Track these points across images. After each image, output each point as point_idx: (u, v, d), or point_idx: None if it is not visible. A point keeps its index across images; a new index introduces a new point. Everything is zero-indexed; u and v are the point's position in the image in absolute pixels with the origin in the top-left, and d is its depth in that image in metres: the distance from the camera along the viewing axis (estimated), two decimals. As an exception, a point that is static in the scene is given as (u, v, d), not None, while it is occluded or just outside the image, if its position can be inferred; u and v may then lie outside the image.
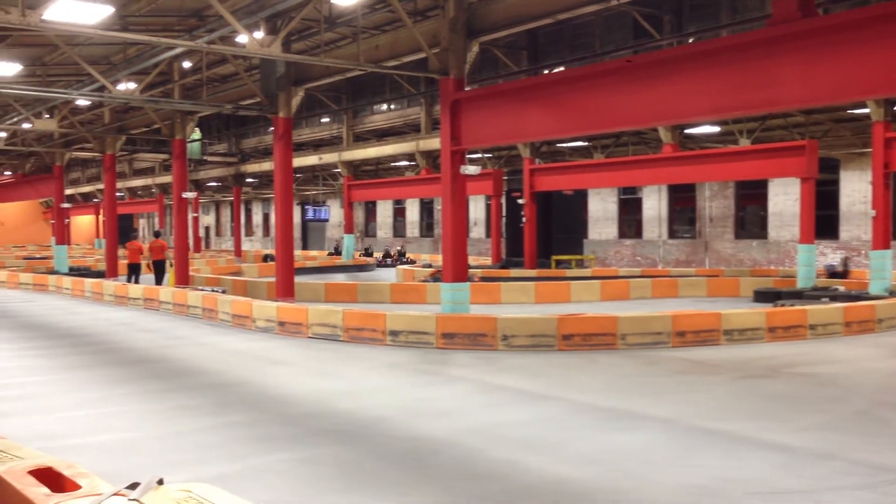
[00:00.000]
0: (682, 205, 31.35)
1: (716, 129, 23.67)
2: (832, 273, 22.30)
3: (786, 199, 27.47)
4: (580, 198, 30.64)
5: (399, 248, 38.34)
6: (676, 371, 10.24)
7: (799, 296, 17.51)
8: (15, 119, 23.18)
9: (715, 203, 29.75)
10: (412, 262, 34.31)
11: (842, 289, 18.33)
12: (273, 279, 19.01)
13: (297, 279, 18.59)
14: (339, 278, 26.25)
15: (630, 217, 33.13)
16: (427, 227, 43.50)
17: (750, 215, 29.61)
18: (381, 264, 34.42)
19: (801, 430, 7.20)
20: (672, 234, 31.45)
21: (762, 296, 18.54)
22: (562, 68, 19.97)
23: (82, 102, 23.19)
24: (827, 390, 9.13)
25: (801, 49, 9.28)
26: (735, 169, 21.27)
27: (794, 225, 26.13)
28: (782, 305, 15.39)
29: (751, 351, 11.69)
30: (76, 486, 3.64)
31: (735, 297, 19.93)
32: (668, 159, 22.01)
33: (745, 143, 23.55)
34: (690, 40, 16.06)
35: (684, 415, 7.70)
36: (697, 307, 16.53)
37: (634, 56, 15.11)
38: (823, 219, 24.51)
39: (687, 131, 23.85)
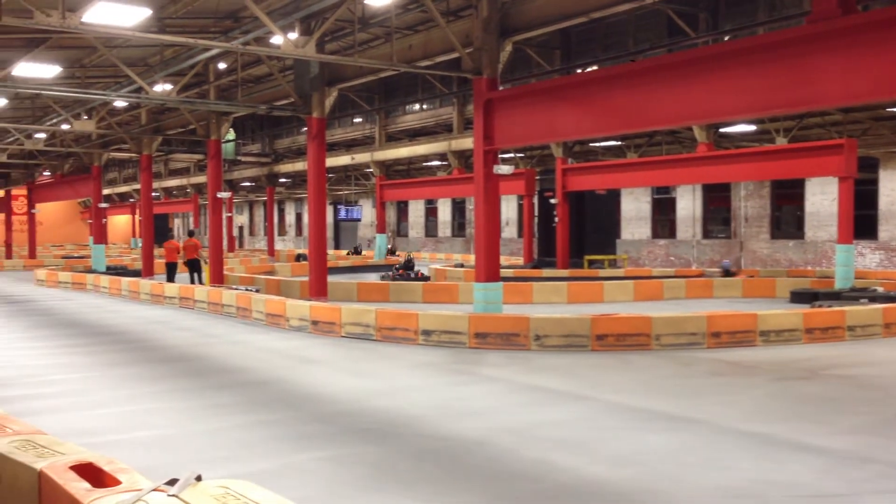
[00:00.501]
0: (717, 204, 31.01)
1: (752, 127, 23.37)
2: (727, 272, 22.31)
3: (823, 199, 27.06)
4: (613, 197, 30.42)
5: (389, 246, 38.52)
6: (712, 372, 10.13)
7: (837, 297, 17.24)
8: (55, 120, 23.57)
9: (750, 203, 29.39)
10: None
11: (881, 289, 18.02)
12: (306, 278, 19.12)
13: (330, 278, 18.68)
14: (372, 278, 26.32)
15: (663, 217, 32.85)
16: (459, 227, 43.50)
17: (786, 215, 29.22)
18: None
19: (841, 432, 7.08)
20: (706, 234, 31.12)
21: (799, 297, 18.27)
22: (595, 67, 19.85)
23: (120, 104, 23.50)
24: (866, 392, 8.98)
25: (841, 47, 9.12)
26: (771, 168, 21.00)
27: (831, 225, 25.72)
28: (820, 306, 15.16)
29: (788, 352, 11.53)
30: (116, 482, 3.69)
31: (771, 298, 19.68)
32: (702, 159, 21.78)
33: (781, 141, 23.23)
34: (726, 38, 15.88)
35: (721, 417, 7.61)
36: (733, 308, 16.34)
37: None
38: (862, 218, 24.10)
39: (722, 130, 23.59)
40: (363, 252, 41.42)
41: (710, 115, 11.98)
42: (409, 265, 24.92)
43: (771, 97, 9.93)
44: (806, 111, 20.18)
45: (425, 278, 23.91)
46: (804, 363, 10.65)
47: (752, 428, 7.18)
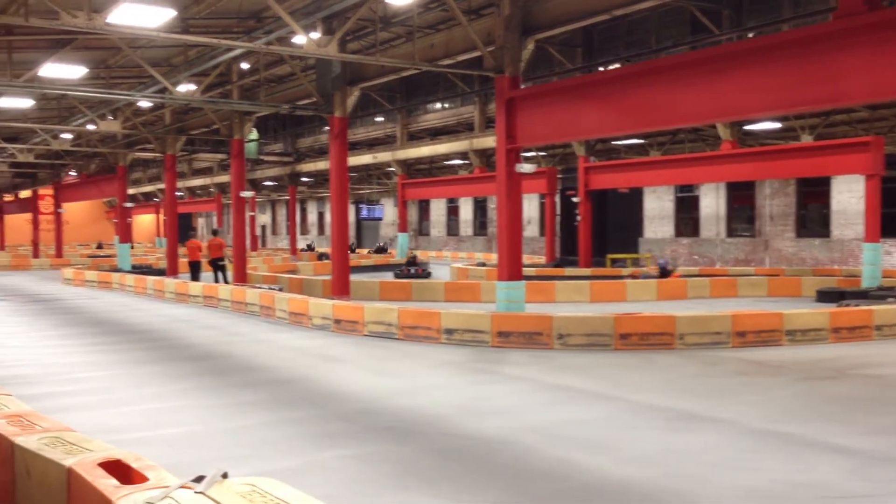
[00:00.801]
0: (741, 202, 30.75)
1: (776, 125, 23.16)
2: (664, 271, 22.29)
3: (850, 197, 26.75)
4: (635, 196, 30.26)
5: (381, 243, 41.44)
6: (737, 372, 10.06)
7: (864, 296, 17.03)
8: (80, 121, 23.80)
9: (775, 201, 29.13)
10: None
11: (908, 289, 17.79)
12: (328, 277, 19.19)
13: (352, 277, 18.74)
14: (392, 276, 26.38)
15: (686, 215, 32.63)
16: (480, 226, 43.46)
17: (812, 213, 28.92)
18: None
19: (869, 433, 7.00)
20: (730, 232, 30.88)
21: (825, 296, 18.08)
22: (617, 65, 19.75)
23: (144, 104, 23.71)
24: (894, 392, 8.87)
25: (867, 43, 9.02)
26: (797, 166, 20.81)
27: (858, 223, 25.43)
28: (847, 305, 14.98)
29: (814, 352, 11.42)
30: (144, 479, 3.73)
31: (797, 297, 19.50)
32: (726, 156, 21.63)
33: (807, 139, 23.01)
34: (750, 35, 15.75)
35: (747, 416, 7.55)
36: (758, 307, 16.19)
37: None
38: (889, 217, 23.78)
39: (746, 128, 23.37)
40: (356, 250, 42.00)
41: (734, 113, 11.88)
42: (412, 262, 27.65)
43: (796, 94, 9.84)
44: (831, 108, 19.98)
45: (426, 274, 26.30)
46: (831, 363, 10.54)
47: (778, 428, 7.12)
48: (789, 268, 26.60)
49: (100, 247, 53.56)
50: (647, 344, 11.64)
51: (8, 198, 51.51)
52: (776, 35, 11.99)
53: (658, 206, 33.32)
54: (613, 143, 28.56)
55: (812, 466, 5.99)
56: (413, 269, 26.82)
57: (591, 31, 21.56)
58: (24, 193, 48.68)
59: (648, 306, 16.92)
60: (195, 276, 22.42)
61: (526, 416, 7.66)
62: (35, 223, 43.99)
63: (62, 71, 16.02)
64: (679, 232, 32.74)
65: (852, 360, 10.72)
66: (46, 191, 45.93)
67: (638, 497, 5.36)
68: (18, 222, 57.94)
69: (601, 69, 19.35)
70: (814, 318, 12.42)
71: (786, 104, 10.56)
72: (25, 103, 20.21)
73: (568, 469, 5.94)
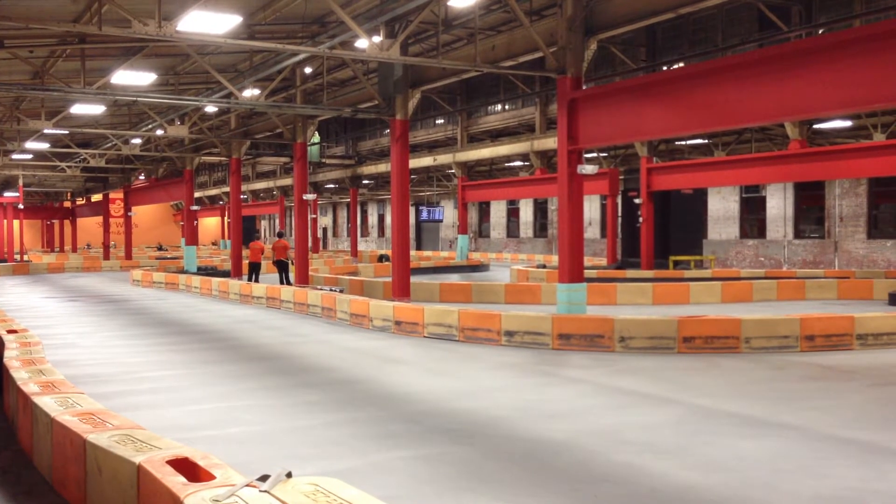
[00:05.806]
0: (809, 203, 29.96)
1: (847, 123, 22.53)
2: None
3: (925, 197, 25.83)
4: (699, 197, 29.74)
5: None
6: (806, 377, 9.79)
7: (940, 299, 16.45)
8: (150, 126, 24.46)
9: (846, 201, 28.29)
10: None
11: None
12: (389, 279, 19.30)
13: (412, 279, 18.82)
14: (453, 278, 26.43)
15: (752, 216, 31.94)
16: (541, 228, 43.25)
17: (884, 214, 28.01)
18: None
19: (947, 442, 6.74)
20: (798, 233, 30.11)
21: (899, 299, 17.51)
22: (681, 64, 19.45)
23: (210, 109, 24.24)
24: (975, 401, 8.53)
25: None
26: (869, 165, 20.21)
27: (934, 224, 24.53)
28: (922, 309, 14.48)
29: (887, 357, 11.04)
30: (211, 477, 3.80)
31: (868, 301, 18.90)
32: (795, 156, 21.12)
33: (879, 137, 22.30)
34: (821, 32, 15.35)
35: (817, 422, 7.34)
36: (827, 310, 15.75)
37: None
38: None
39: (816, 126, 22.80)
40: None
41: (804, 112, 11.57)
42: None
43: (869, 92, 9.55)
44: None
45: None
46: (906, 369, 10.19)
47: (850, 434, 6.90)
48: (860, 270, 25.78)
49: (160, 248, 54.85)
50: (711, 347, 11.42)
51: (80, 201, 53.21)
52: (848, 31, 11.64)
53: (723, 207, 32.68)
54: (677, 143, 28.13)
55: (883, 474, 5.79)
56: None
57: (654, 29, 21.30)
58: (96, 197, 50.24)
59: (712, 309, 16.60)
60: (256, 277, 22.78)
61: (588, 420, 7.59)
62: (106, 226, 45.32)
63: (133, 78, 16.49)
64: (744, 233, 32.06)
65: (929, 366, 10.34)
66: (117, 194, 47.33)
67: (705, 503, 5.26)
68: (90, 225, 59.89)
69: (665, 68, 19.09)
70: (886, 321, 12.01)
71: (858, 102, 10.25)
72: (97, 110, 20.84)
73: (632, 474, 5.85)
